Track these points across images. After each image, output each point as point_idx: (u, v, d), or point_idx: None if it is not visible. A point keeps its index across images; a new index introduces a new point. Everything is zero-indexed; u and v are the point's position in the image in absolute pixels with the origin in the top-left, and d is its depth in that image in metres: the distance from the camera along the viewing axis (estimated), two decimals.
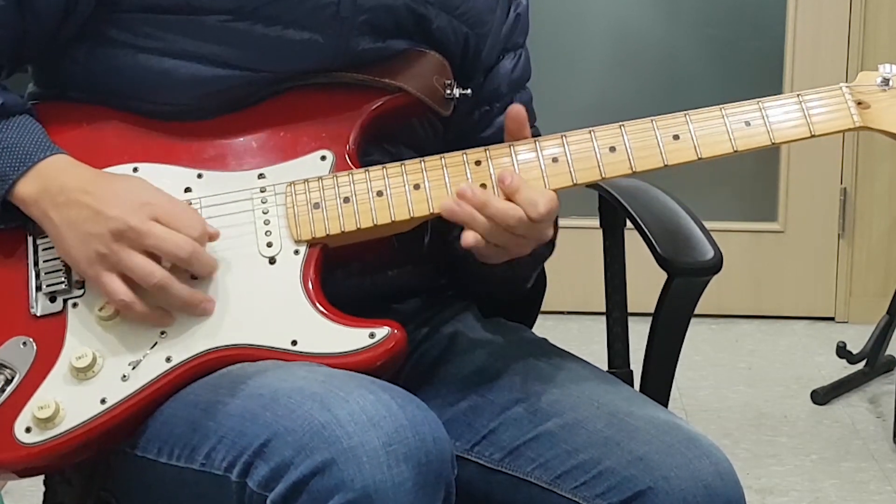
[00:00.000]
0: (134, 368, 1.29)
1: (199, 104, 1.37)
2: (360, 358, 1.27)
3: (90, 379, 1.28)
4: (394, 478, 1.15)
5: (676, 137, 1.33)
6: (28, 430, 1.27)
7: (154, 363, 1.29)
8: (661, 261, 1.51)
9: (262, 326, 1.29)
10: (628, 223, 1.60)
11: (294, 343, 1.28)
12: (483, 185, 1.32)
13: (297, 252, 1.32)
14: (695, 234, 1.54)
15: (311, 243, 1.33)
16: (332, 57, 1.39)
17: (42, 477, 1.43)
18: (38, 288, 1.32)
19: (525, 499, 1.34)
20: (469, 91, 1.44)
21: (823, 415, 3.09)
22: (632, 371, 1.64)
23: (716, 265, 1.51)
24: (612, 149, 1.33)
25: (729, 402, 3.18)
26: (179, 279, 1.29)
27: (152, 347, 1.29)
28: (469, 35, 1.48)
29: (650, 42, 3.70)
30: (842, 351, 3.21)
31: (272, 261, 1.32)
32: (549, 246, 1.43)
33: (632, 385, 1.58)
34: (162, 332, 1.29)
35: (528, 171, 1.33)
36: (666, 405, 1.51)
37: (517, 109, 1.35)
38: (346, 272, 1.38)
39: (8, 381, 1.29)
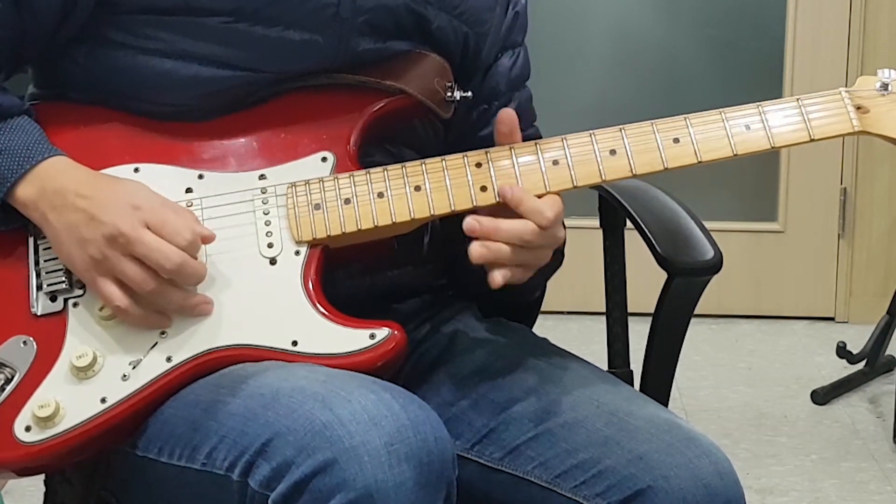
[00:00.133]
0: (134, 368, 1.29)
1: (199, 105, 1.37)
2: (360, 359, 1.28)
3: (90, 378, 1.29)
4: (395, 477, 1.15)
5: (677, 141, 1.33)
6: (28, 429, 1.27)
7: (154, 363, 1.29)
8: (661, 261, 1.51)
9: (263, 327, 1.30)
10: (628, 223, 1.60)
11: (294, 343, 1.29)
12: (483, 188, 1.33)
13: (297, 253, 1.32)
14: (695, 234, 1.54)
15: (312, 244, 1.33)
16: (333, 58, 1.39)
17: (42, 476, 1.43)
18: (39, 287, 1.32)
19: (525, 498, 1.34)
20: (470, 94, 1.45)
21: (823, 415, 3.09)
22: (632, 371, 1.64)
23: (716, 265, 1.51)
24: (613, 152, 1.33)
25: (729, 402, 3.18)
26: None
27: (153, 347, 1.29)
28: (469, 34, 1.48)
29: (650, 42, 3.71)
30: (842, 351, 3.21)
31: (273, 261, 1.32)
32: (559, 255, 1.43)
33: (632, 385, 1.58)
34: (162, 332, 1.30)
35: (528, 174, 1.33)
36: (666, 405, 1.51)
37: (509, 114, 1.35)
38: (346, 272, 1.39)
39: (8, 380, 1.29)
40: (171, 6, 1.35)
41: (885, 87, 1.35)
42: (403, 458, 1.15)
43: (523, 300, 1.56)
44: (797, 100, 1.34)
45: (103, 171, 1.34)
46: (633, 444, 1.30)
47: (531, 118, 1.55)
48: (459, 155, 1.34)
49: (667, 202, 1.60)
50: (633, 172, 1.33)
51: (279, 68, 1.38)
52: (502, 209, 1.31)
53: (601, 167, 1.33)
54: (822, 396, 3.14)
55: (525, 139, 1.36)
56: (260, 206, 1.34)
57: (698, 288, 1.55)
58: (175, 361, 1.29)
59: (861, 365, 3.22)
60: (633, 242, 1.61)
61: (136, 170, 1.36)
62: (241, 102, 1.39)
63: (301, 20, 1.37)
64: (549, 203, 1.31)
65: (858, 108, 1.34)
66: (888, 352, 3.25)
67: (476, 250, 1.29)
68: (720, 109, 1.34)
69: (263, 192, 1.34)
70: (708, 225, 1.56)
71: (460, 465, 1.25)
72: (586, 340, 3.10)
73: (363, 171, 1.34)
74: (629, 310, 1.67)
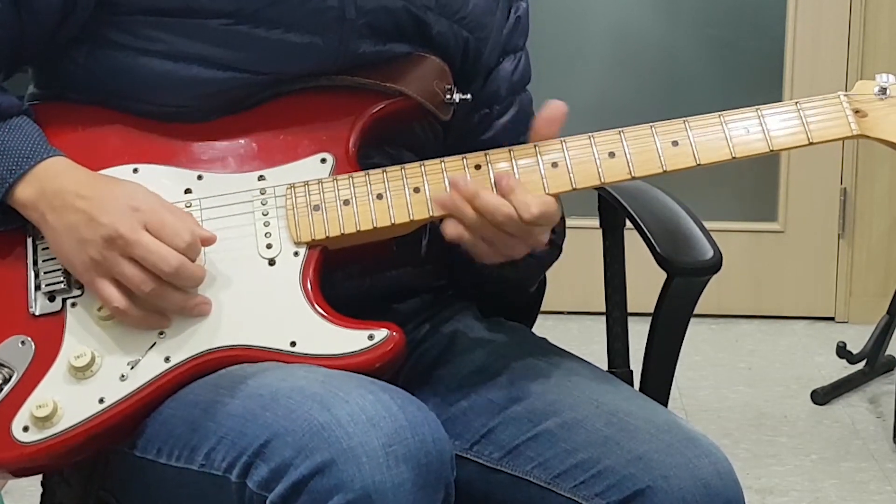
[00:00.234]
0: (133, 368, 1.29)
1: (199, 106, 1.37)
2: (358, 360, 1.28)
3: (88, 378, 1.28)
4: (393, 478, 1.15)
5: (675, 144, 1.33)
6: (26, 429, 1.27)
7: (153, 363, 1.29)
8: (661, 261, 1.51)
9: (262, 327, 1.30)
10: (628, 223, 1.60)
11: (293, 344, 1.28)
12: None
13: (296, 254, 1.32)
14: (695, 234, 1.54)
15: (311, 245, 1.33)
16: (333, 59, 1.39)
17: (41, 476, 1.43)
18: (37, 287, 1.32)
19: (524, 498, 1.34)
20: (469, 96, 1.45)
21: (823, 415, 3.09)
22: (632, 371, 1.64)
23: (716, 265, 1.51)
24: (612, 154, 1.33)
25: (729, 402, 3.18)
26: None
27: (151, 347, 1.29)
28: (469, 39, 1.48)
29: (650, 42, 3.70)
30: (842, 351, 3.21)
31: (272, 262, 1.32)
32: (556, 250, 1.43)
33: (632, 385, 1.58)
34: (161, 333, 1.30)
35: (527, 176, 1.33)
36: (666, 405, 1.51)
37: (558, 105, 1.34)
38: (345, 273, 1.39)
39: (6, 380, 1.29)
40: (171, 7, 1.35)
41: (883, 91, 1.35)
42: (401, 458, 1.15)
43: (519, 298, 1.55)
44: (796, 103, 1.34)
45: (102, 171, 1.34)
46: (632, 444, 1.30)
47: (532, 121, 1.54)
48: (458, 157, 1.34)
49: (667, 202, 1.60)
50: (632, 175, 1.33)
51: (279, 70, 1.38)
52: None
53: (600, 169, 1.33)
54: (822, 396, 3.14)
55: (527, 142, 1.35)
56: (259, 208, 1.34)
57: (698, 288, 1.55)
58: (173, 362, 1.29)
59: (861, 365, 3.22)
60: (633, 242, 1.61)
61: (136, 170, 1.36)
62: (241, 104, 1.39)
63: (301, 22, 1.37)
64: (540, 200, 1.30)
65: (857, 112, 1.34)
66: (888, 352, 3.25)
67: (438, 197, 1.30)
68: (719, 113, 1.34)
69: (262, 193, 1.34)
70: (708, 225, 1.56)
71: (459, 465, 1.25)
72: (586, 340, 3.10)
73: (362, 173, 1.34)
74: (629, 310, 1.67)
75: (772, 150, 1.34)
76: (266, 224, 1.33)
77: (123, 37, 1.37)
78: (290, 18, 1.36)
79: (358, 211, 1.32)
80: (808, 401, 3.15)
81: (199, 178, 1.35)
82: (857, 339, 3.26)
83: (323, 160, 1.36)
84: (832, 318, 3.76)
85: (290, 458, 1.16)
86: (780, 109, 1.34)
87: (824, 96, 1.35)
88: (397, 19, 1.41)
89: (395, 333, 1.28)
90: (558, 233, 1.43)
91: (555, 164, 1.33)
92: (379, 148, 1.42)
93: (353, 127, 1.37)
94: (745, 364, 3.45)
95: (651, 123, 1.34)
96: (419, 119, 1.45)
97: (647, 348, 1.57)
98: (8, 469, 1.29)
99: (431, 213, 1.32)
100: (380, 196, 1.33)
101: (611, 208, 1.64)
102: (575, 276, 3.47)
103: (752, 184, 3.76)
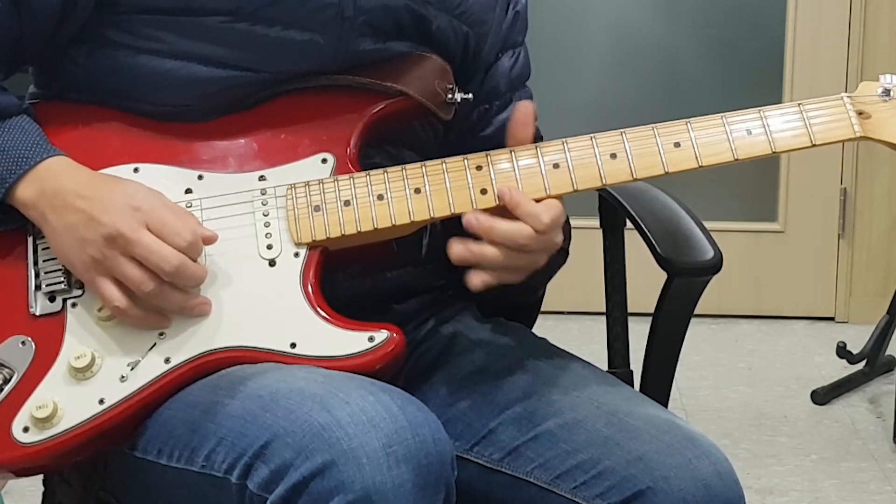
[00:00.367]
0: (133, 369, 1.29)
1: (199, 105, 1.37)
2: (359, 361, 1.27)
3: (89, 379, 1.28)
4: (394, 479, 1.14)
5: (678, 145, 1.33)
6: (26, 429, 1.27)
7: (153, 364, 1.28)
8: (661, 261, 1.51)
9: (262, 328, 1.29)
10: (628, 223, 1.60)
11: (293, 346, 1.28)
12: (483, 191, 1.32)
13: (297, 254, 1.32)
14: (695, 234, 1.54)
15: (312, 246, 1.32)
16: (333, 58, 1.39)
17: (41, 477, 1.43)
18: (38, 287, 1.32)
19: (525, 499, 1.34)
20: (470, 95, 1.45)
21: (823, 415, 3.09)
22: (632, 371, 1.64)
23: (716, 265, 1.51)
24: (614, 155, 1.33)
25: (729, 402, 3.18)
26: None
27: (151, 348, 1.29)
28: (469, 34, 1.48)
29: (650, 42, 3.70)
30: (842, 351, 3.21)
31: (272, 263, 1.32)
32: (563, 253, 1.43)
33: (632, 385, 1.58)
34: (161, 333, 1.29)
35: (528, 177, 1.33)
36: (666, 405, 1.51)
37: (527, 105, 1.35)
38: (345, 274, 1.38)
39: (6, 381, 1.29)
40: (170, 6, 1.35)
41: (886, 92, 1.35)
42: (402, 459, 1.15)
43: (524, 301, 1.56)
44: (799, 104, 1.34)
45: (103, 171, 1.34)
46: (632, 444, 1.30)
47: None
48: (460, 157, 1.34)
49: (667, 202, 1.60)
50: (634, 176, 1.33)
51: (279, 68, 1.38)
52: (502, 211, 1.31)
53: (602, 171, 1.33)
54: (822, 396, 3.14)
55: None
56: (259, 208, 1.34)
57: (698, 288, 1.55)
58: (174, 363, 1.28)
59: (861, 365, 3.22)
60: (633, 242, 1.61)
61: (136, 170, 1.35)
62: (241, 103, 1.38)
63: (301, 20, 1.37)
64: (547, 207, 1.30)
65: (860, 113, 1.34)
66: (888, 352, 3.25)
67: (455, 250, 1.29)
68: (721, 114, 1.34)
69: (263, 194, 1.34)
70: (708, 225, 1.56)
71: (460, 465, 1.25)
72: (586, 340, 3.10)
73: (363, 173, 1.34)
74: (629, 310, 1.67)
75: (774, 152, 1.33)
76: (266, 224, 1.33)
77: (123, 36, 1.36)
78: (290, 16, 1.36)
79: (359, 211, 1.32)
80: (808, 401, 3.15)
81: (200, 177, 1.35)
82: (857, 339, 3.26)
83: (324, 160, 1.36)
84: (832, 318, 3.76)
85: (290, 459, 1.16)
86: (783, 111, 1.34)
87: (827, 97, 1.35)
88: (397, 17, 1.41)
89: (395, 335, 1.28)
90: (564, 236, 1.43)
91: (556, 165, 1.33)
92: (380, 148, 1.42)
93: (353, 127, 1.37)
94: (745, 364, 3.45)
95: (653, 124, 1.34)
96: (420, 119, 1.45)
97: (647, 348, 1.57)
98: (8, 469, 1.29)
99: (432, 214, 1.32)
100: (381, 196, 1.33)
101: (611, 208, 1.64)
102: (575, 276, 3.46)
103: (752, 184, 3.76)
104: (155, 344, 1.29)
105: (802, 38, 3.63)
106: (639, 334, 1.61)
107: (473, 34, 1.48)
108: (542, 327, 1.58)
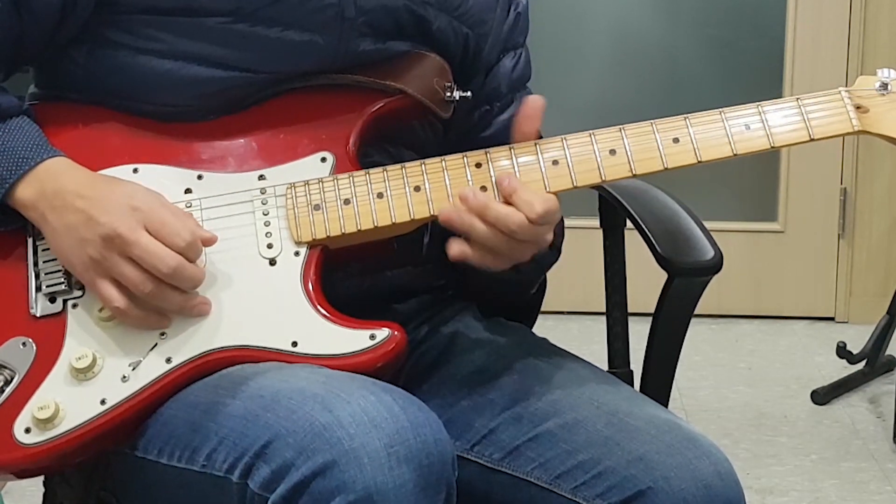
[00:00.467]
0: (134, 369, 1.29)
1: (199, 105, 1.37)
2: (360, 360, 1.27)
3: (90, 380, 1.28)
4: (395, 479, 1.15)
5: (676, 141, 1.33)
6: (28, 430, 1.27)
7: (154, 364, 1.28)
8: (662, 261, 1.51)
9: (263, 328, 1.29)
10: (628, 223, 1.60)
11: (294, 344, 1.28)
12: (483, 188, 1.32)
13: (297, 253, 1.32)
14: (695, 234, 1.54)
15: (312, 245, 1.33)
16: (332, 58, 1.39)
17: (42, 477, 1.43)
18: (38, 288, 1.32)
19: (525, 498, 1.34)
20: (469, 93, 1.45)
21: (823, 415, 3.09)
22: (632, 371, 1.64)
23: (716, 265, 1.51)
24: (613, 152, 1.33)
25: (729, 402, 3.18)
26: None
27: (152, 348, 1.29)
28: (469, 35, 1.48)
29: (650, 42, 3.70)
30: (842, 351, 3.20)
31: (272, 262, 1.32)
32: (555, 252, 1.43)
33: (632, 385, 1.58)
34: (162, 333, 1.29)
35: (528, 174, 1.33)
36: (666, 405, 1.51)
37: (536, 99, 1.35)
38: (345, 273, 1.38)
39: (7, 382, 1.29)
40: (170, 7, 1.35)
41: (884, 86, 1.35)
42: (403, 459, 1.15)
43: (520, 300, 1.55)
44: (797, 99, 1.34)
45: (102, 171, 1.34)
46: (633, 444, 1.30)
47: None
48: (459, 155, 1.34)
49: (667, 202, 1.60)
50: (633, 172, 1.33)
51: (279, 69, 1.38)
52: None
53: (601, 167, 1.33)
54: (822, 396, 3.14)
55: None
56: (259, 207, 1.34)
57: (698, 288, 1.55)
58: (175, 363, 1.28)
59: (861, 365, 3.22)
60: (633, 242, 1.61)
61: (136, 170, 1.35)
62: (241, 103, 1.38)
63: (301, 21, 1.37)
64: (542, 199, 1.30)
65: (858, 107, 1.34)
66: (888, 352, 3.24)
67: (446, 211, 1.30)
68: (720, 109, 1.34)
69: (263, 193, 1.34)
70: (708, 225, 1.56)
71: (460, 465, 1.25)
72: (586, 340, 3.10)
73: (363, 172, 1.34)
74: (629, 310, 1.67)
75: (773, 147, 1.33)
76: (266, 224, 1.33)
77: (123, 36, 1.36)
78: (290, 17, 1.36)
79: (358, 210, 1.32)
80: (808, 401, 3.15)
81: (200, 177, 1.35)
82: (857, 339, 3.26)
83: (323, 159, 1.36)
84: (832, 318, 3.76)
85: (291, 458, 1.16)
86: (781, 105, 1.34)
87: (825, 92, 1.35)
88: (397, 17, 1.41)
89: (396, 333, 1.28)
90: (557, 234, 1.43)
91: (555, 162, 1.33)
92: (379, 146, 1.42)
93: (353, 125, 1.37)
94: (745, 364, 3.44)
95: (652, 120, 1.34)
96: (419, 117, 1.45)
97: (647, 348, 1.57)
98: (10, 470, 1.29)
99: (432, 212, 1.32)
100: (380, 195, 1.33)
101: (611, 208, 1.64)
102: (575, 276, 3.48)
103: (752, 183, 3.76)
104: (156, 344, 1.29)
105: (802, 38, 3.63)
106: (639, 334, 1.61)
107: (473, 35, 1.48)
108: (542, 327, 1.58)
